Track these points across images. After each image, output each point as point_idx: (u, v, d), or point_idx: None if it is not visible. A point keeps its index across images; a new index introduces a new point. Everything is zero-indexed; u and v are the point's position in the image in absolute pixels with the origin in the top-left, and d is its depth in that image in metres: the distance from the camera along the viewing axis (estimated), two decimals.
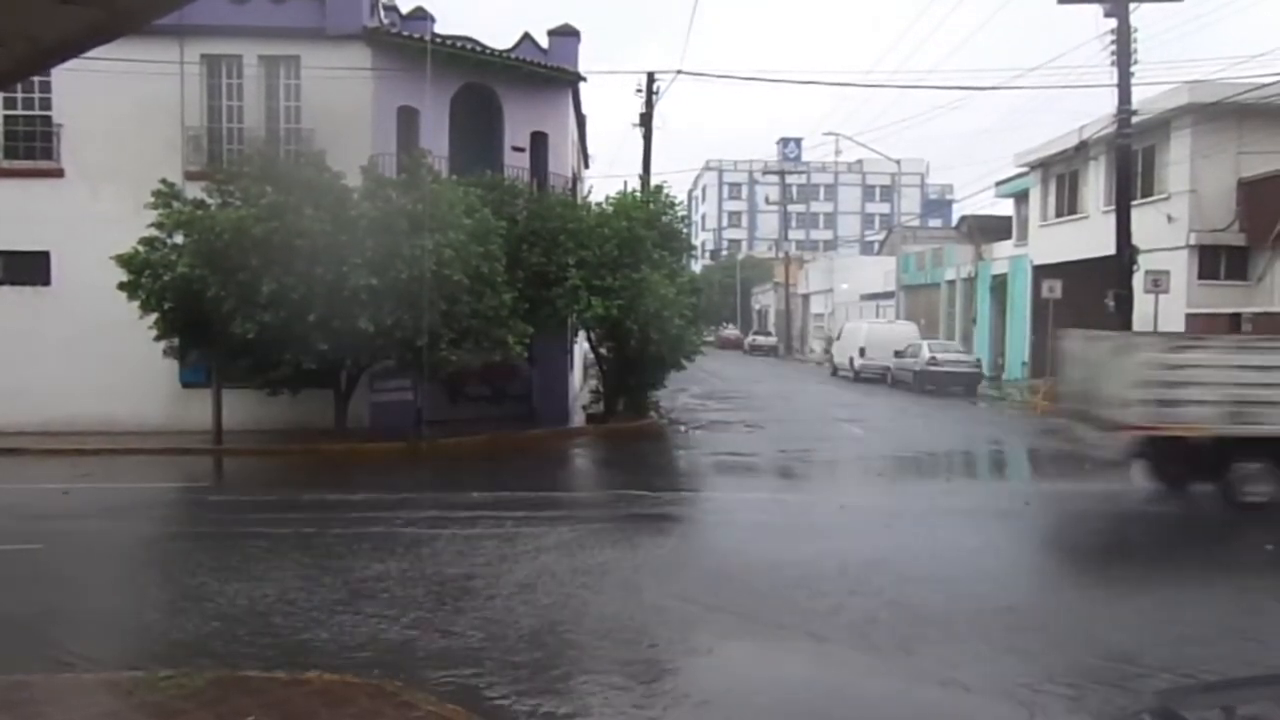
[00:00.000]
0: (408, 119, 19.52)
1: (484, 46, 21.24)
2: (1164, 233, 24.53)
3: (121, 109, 18.43)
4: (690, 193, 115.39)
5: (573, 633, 7.32)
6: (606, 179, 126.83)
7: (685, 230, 24.97)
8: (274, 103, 19.42)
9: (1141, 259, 22.62)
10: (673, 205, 23.24)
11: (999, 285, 36.72)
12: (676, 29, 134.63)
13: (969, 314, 39.47)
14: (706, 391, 30.10)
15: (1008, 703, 5.98)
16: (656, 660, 6.84)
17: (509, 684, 6.16)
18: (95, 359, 18.22)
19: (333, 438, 17.39)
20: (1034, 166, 32.69)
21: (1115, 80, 22.21)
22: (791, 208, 73.43)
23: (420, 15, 21.60)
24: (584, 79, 23.43)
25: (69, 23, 4.11)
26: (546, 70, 21.90)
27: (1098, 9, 22.16)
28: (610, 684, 6.25)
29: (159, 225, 16.20)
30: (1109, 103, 22.76)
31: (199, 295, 15.65)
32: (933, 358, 30.29)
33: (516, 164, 21.37)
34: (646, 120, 28.80)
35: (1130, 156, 23.52)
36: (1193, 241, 24.28)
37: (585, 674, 6.48)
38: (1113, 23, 21.92)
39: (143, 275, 16.06)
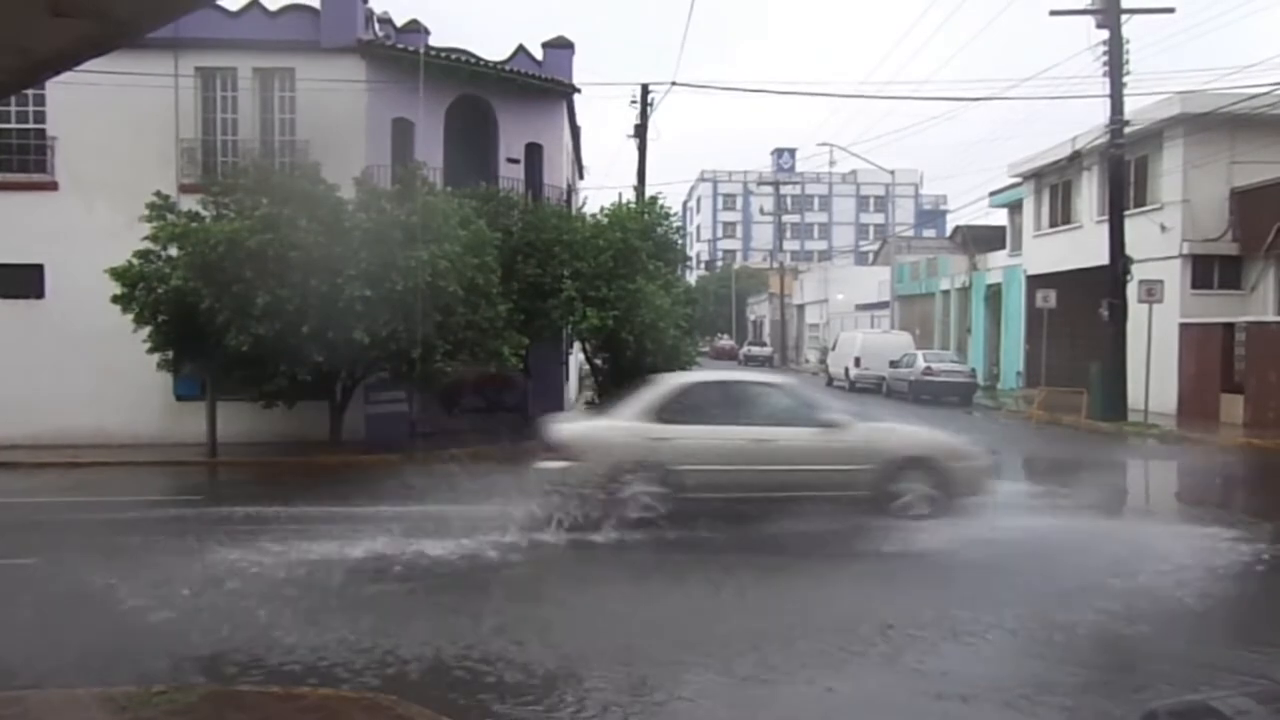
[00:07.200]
0: (402, 131, 19.55)
1: (478, 59, 21.31)
2: (1157, 242, 24.62)
3: (116, 122, 18.43)
4: (685, 204, 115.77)
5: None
6: (601, 190, 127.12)
7: (680, 241, 25.01)
8: (268, 115, 19.45)
9: (1135, 268, 22.73)
10: (667, 216, 23.25)
11: (993, 295, 36.85)
12: (671, 41, 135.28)
13: (964, 324, 39.59)
14: None
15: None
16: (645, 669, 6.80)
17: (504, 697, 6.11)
18: (89, 372, 18.19)
19: (328, 450, 17.33)
20: (1027, 177, 32.83)
21: (1108, 91, 22.38)
22: (786, 218, 73.65)
23: (414, 28, 21.67)
24: (578, 90, 23.51)
25: (62, 35, 4.10)
26: (541, 82, 21.96)
27: (1090, 20, 22.34)
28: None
29: (153, 238, 16.19)
30: (1102, 113, 22.93)
31: (193, 308, 15.63)
32: (928, 367, 30.33)
33: (511, 175, 21.42)
34: (641, 131, 28.96)
35: (1123, 166, 23.65)
36: (1186, 251, 24.37)
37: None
38: (1105, 34, 22.09)
39: (137, 288, 16.04)
